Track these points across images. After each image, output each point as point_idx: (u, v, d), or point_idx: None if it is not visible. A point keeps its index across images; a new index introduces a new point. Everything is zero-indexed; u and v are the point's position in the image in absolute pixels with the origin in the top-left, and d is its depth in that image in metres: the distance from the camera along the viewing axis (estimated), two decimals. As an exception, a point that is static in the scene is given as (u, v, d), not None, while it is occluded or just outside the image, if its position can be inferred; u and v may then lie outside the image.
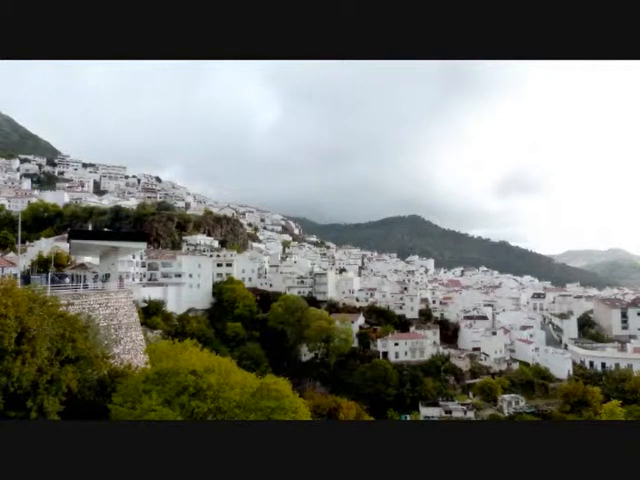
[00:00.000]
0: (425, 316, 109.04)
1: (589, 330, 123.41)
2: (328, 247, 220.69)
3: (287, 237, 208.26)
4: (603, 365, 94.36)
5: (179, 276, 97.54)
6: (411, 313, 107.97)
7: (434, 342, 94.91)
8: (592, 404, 67.19)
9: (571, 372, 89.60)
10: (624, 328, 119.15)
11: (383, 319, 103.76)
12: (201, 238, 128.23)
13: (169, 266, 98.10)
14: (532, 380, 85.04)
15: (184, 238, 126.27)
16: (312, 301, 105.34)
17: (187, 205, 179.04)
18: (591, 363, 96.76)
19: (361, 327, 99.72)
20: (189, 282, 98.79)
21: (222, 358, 35.69)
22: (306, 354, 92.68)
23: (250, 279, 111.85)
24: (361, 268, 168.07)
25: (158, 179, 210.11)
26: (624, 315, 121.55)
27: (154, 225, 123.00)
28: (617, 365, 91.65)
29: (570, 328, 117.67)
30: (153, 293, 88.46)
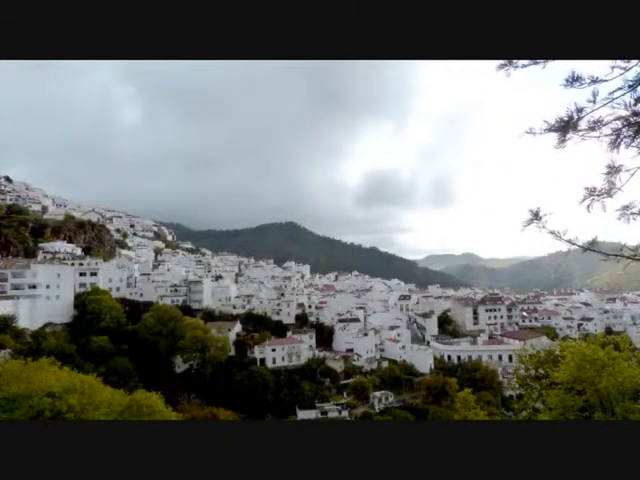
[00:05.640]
0: (301, 321, 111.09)
1: (447, 327, 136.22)
2: (203, 254, 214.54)
3: (159, 244, 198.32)
4: (459, 358, 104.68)
5: (34, 287, 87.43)
6: (288, 318, 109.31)
7: (310, 346, 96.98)
8: (450, 394, 73.93)
9: (432, 366, 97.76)
10: (475, 324, 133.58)
11: (260, 325, 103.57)
12: (60, 245, 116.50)
13: (22, 276, 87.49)
14: (399, 376, 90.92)
15: (40, 245, 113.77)
16: (187, 310, 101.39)
17: (44, 208, 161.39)
18: (449, 357, 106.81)
19: (238, 335, 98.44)
20: (46, 294, 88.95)
21: (85, 376, 32.86)
22: (180, 365, 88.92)
23: (118, 289, 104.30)
24: (238, 275, 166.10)
25: (8, 179, 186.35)
26: (475, 312, 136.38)
27: (3, 230, 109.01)
28: (470, 357, 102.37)
29: (431, 326, 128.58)
30: (1, 308, 78.27)
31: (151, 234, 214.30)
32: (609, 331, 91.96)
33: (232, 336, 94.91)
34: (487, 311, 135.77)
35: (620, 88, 5.79)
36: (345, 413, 74.07)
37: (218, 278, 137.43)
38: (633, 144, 5.98)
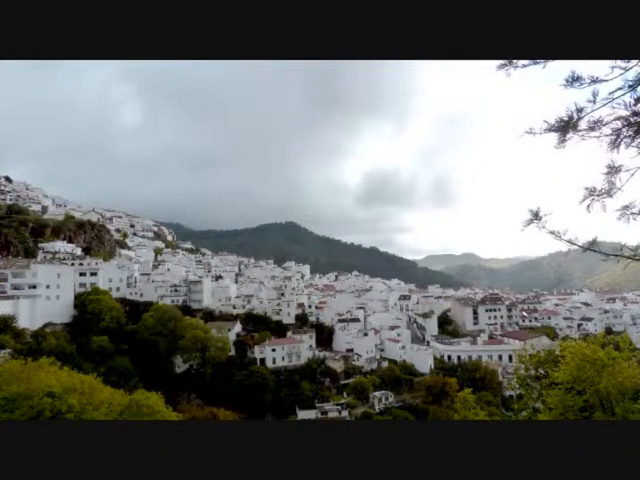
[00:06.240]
0: (301, 321, 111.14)
1: (447, 327, 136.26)
2: (204, 254, 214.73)
3: (160, 244, 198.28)
4: (459, 358, 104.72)
5: (34, 287, 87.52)
6: (288, 318, 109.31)
7: (310, 346, 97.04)
8: (450, 394, 73.93)
9: (432, 366, 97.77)
10: (475, 324, 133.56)
11: (260, 325, 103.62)
12: (61, 245, 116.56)
13: (22, 276, 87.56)
14: (399, 376, 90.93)
15: (40, 245, 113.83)
16: (187, 310, 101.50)
17: (44, 209, 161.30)
18: (449, 357, 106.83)
19: (238, 334, 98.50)
20: (46, 294, 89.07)
21: (85, 376, 32.87)
22: (180, 366, 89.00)
23: (118, 289, 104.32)
24: (238, 275, 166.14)
25: (8, 179, 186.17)
26: (475, 312, 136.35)
27: (3, 230, 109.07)
28: (470, 357, 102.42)
29: (431, 326, 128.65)
30: (1, 308, 78.38)
31: (151, 234, 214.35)
32: (609, 331, 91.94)
33: (232, 336, 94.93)
34: (487, 311, 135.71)
35: (620, 88, 5.79)
36: (345, 413, 74.05)
37: (218, 278, 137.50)
38: (633, 144, 5.99)
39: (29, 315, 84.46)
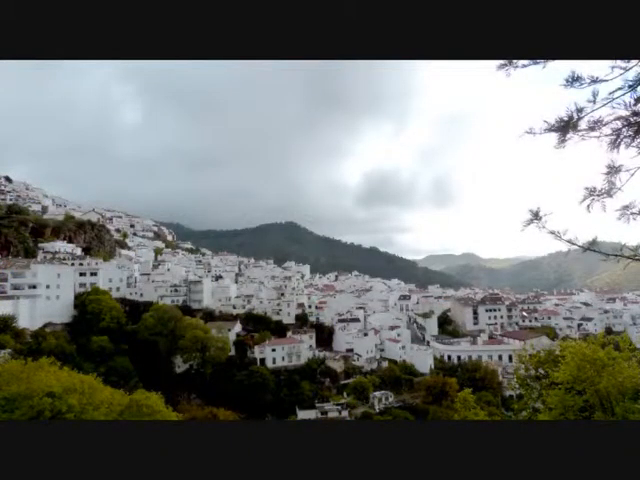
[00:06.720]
0: (301, 321, 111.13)
1: (447, 327, 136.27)
2: (204, 254, 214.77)
3: (160, 244, 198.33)
4: (459, 358, 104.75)
5: (34, 287, 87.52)
6: (288, 318, 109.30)
7: (310, 346, 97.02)
8: (450, 394, 73.90)
9: (432, 366, 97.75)
10: (475, 324, 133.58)
11: (260, 325, 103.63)
12: (61, 245, 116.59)
13: (22, 276, 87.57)
14: (399, 376, 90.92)
15: (40, 245, 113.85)
16: (187, 310, 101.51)
17: (44, 209, 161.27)
18: (449, 357, 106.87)
19: (238, 334, 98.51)
20: (46, 294, 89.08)
21: (85, 376, 32.88)
22: (180, 366, 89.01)
23: (118, 289, 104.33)
24: (238, 275, 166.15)
25: (8, 179, 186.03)
26: (475, 312, 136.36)
27: (3, 230, 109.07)
28: (470, 357, 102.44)
29: (431, 326, 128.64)
30: (1, 308, 78.39)
31: (151, 234, 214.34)
32: (609, 331, 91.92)
33: (232, 336, 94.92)
34: (487, 311, 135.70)
35: (620, 88, 5.80)
36: (345, 413, 74.02)
37: (218, 278, 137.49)
38: (633, 144, 5.99)
39: (29, 315, 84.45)
